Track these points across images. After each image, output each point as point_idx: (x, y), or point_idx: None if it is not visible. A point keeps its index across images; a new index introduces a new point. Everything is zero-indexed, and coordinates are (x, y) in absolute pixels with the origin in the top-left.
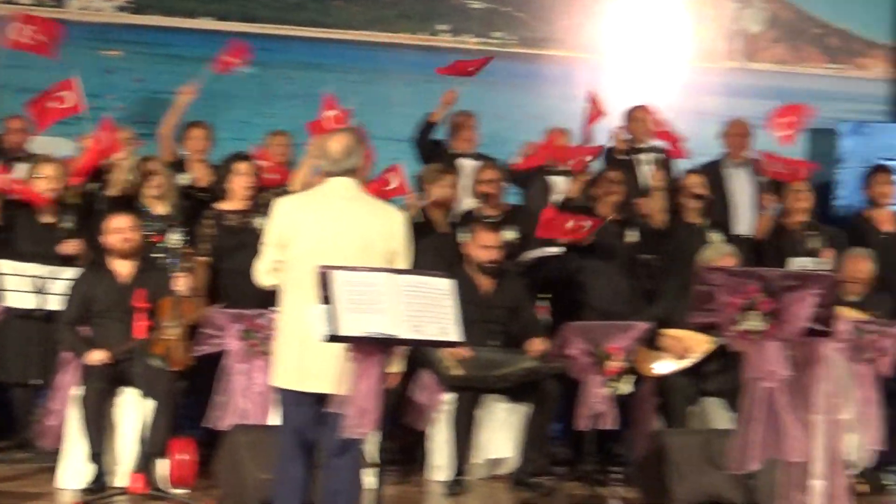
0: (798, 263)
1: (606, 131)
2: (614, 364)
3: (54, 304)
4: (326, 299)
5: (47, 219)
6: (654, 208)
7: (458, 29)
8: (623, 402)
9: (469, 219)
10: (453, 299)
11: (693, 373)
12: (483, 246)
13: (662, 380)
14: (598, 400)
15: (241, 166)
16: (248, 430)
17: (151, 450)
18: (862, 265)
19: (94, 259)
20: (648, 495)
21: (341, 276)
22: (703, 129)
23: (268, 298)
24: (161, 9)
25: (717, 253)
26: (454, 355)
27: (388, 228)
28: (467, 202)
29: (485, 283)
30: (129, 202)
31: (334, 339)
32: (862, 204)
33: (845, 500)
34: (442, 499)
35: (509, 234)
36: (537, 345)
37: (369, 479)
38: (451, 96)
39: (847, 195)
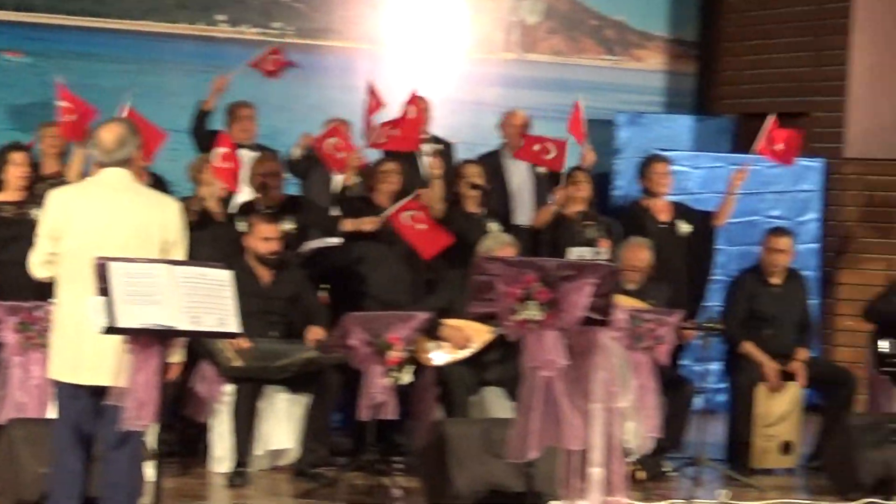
0: (576, 253)
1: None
2: (395, 354)
3: None
4: (104, 291)
5: None
6: (434, 198)
7: (237, 19)
8: (404, 392)
9: (247, 209)
10: (232, 290)
11: (473, 362)
12: (263, 238)
13: (443, 369)
14: (379, 390)
15: (16, 156)
16: (26, 423)
17: None
18: (641, 254)
19: None
20: (429, 485)
21: (118, 267)
22: (481, 119)
23: (45, 290)
24: None
25: (496, 243)
26: (234, 346)
27: (164, 219)
28: (245, 193)
29: (264, 274)
30: None
31: (112, 330)
32: (639, 194)
33: (623, 487)
34: (223, 491)
35: (288, 225)
36: (315, 333)
37: (149, 471)
38: (222, 82)
39: (624, 185)
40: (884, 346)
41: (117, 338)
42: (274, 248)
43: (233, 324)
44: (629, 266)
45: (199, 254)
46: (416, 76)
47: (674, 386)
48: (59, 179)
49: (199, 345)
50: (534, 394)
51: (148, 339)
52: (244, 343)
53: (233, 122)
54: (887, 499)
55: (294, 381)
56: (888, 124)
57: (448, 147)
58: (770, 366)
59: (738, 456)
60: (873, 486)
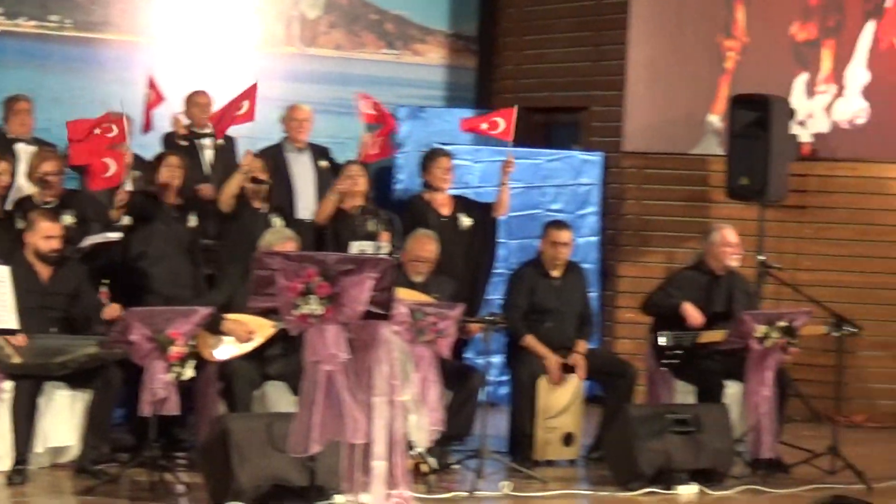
0: (357, 247)
1: (167, 117)
2: (176, 349)
3: None
4: None
5: None
6: (229, 193)
7: (13, 12)
8: (186, 388)
9: (26, 206)
10: (9, 286)
11: (256, 357)
12: (44, 237)
13: (225, 364)
14: (161, 385)
15: None
16: None
17: None
18: (429, 245)
19: None
20: (212, 480)
21: None
22: (265, 114)
23: None
24: None
25: (278, 237)
26: (12, 343)
27: None
28: (24, 187)
29: (43, 270)
30: None
31: None
32: (420, 187)
33: (406, 480)
34: (2, 489)
35: (67, 219)
36: (113, 310)
37: None
38: None
39: (405, 179)
40: (662, 339)
41: None
42: (55, 246)
43: (10, 320)
44: (417, 258)
45: None
46: (198, 70)
47: (462, 375)
48: None
49: None
50: (316, 388)
51: None
52: (22, 339)
53: (10, 116)
54: (666, 488)
55: (74, 378)
56: (665, 118)
57: (230, 142)
58: (551, 359)
59: (520, 448)
60: (653, 476)
